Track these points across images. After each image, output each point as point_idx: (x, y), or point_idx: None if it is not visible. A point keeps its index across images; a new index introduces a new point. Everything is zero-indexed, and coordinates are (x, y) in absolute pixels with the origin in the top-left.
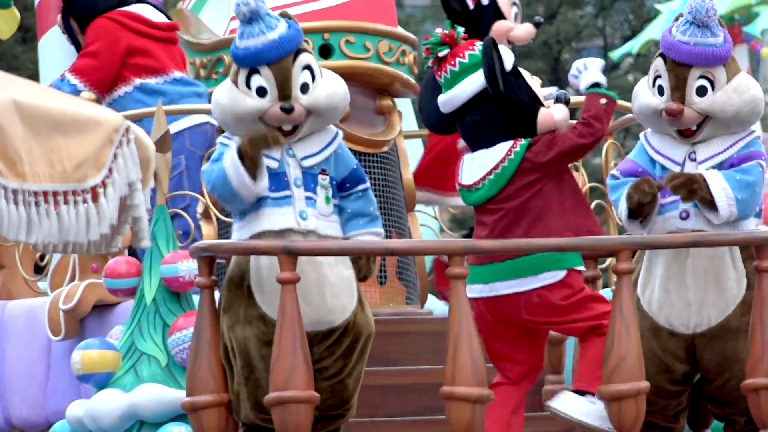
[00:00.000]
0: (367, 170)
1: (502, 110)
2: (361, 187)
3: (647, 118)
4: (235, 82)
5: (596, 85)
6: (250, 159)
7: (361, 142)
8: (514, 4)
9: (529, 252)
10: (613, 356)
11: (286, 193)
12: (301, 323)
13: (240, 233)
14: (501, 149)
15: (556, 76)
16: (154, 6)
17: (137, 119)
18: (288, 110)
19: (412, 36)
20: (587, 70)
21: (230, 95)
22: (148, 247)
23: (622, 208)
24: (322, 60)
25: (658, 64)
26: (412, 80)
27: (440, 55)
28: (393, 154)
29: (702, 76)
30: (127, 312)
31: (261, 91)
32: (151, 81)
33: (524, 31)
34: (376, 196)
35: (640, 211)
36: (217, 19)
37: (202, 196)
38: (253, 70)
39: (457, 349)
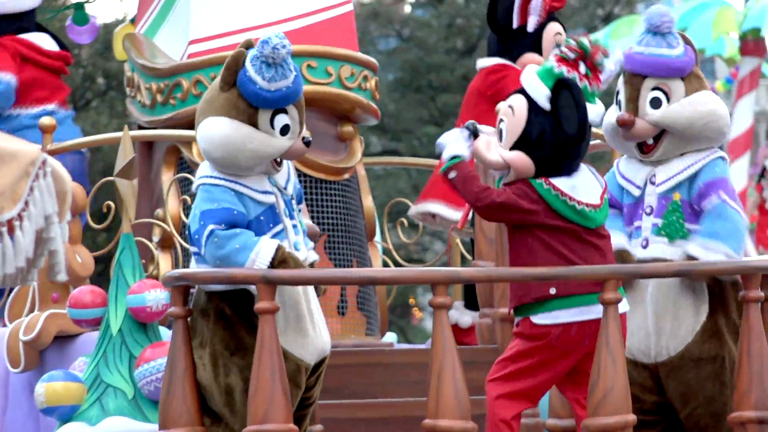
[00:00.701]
0: (327, 198)
1: None
2: (300, 205)
3: (610, 137)
4: (254, 124)
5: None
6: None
7: (322, 169)
8: (558, 46)
9: (521, 280)
10: (599, 388)
11: (280, 227)
12: (279, 353)
13: None
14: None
15: None
16: (52, 35)
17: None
18: (308, 143)
19: (373, 61)
20: (447, 145)
21: (258, 139)
22: (114, 276)
23: None
24: None
25: (620, 78)
26: (374, 105)
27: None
28: (354, 182)
29: (656, 88)
30: (89, 343)
31: (285, 130)
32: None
33: None
34: (336, 224)
35: None
36: (171, 44)
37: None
38: (279, 110)
39: (441, 381)
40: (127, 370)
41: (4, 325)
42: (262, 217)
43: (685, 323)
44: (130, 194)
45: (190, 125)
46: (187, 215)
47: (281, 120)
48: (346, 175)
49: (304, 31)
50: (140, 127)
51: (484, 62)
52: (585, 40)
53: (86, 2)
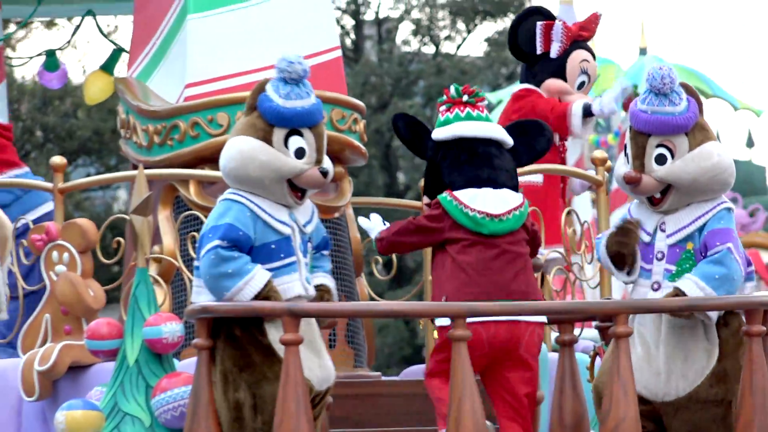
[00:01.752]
0: None
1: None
2: (327, 251)
3: (622, 186)
4: (268, 141)
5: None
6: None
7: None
8: (585, 73)
9: (546, 314)
10: (611, 418)
11: (293, 259)
12: (304, 384)
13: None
14: (519, 196)
15: (388, 162)
16: None
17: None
18: (326, 173)
19: (361, 104)
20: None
21: (270, 153)
22: (130, 309)
23: (603, 256)
24: None
25: (627, 133)
26: (363, 148)
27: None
28: (343, 220)
29: (661, 145)
30: (101, 373)
31: (300, 153)
32: None
33: (576, 98)
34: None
35: (621, 260)
36: (166, 87)
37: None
38: (294, 131)
39: (461, 412)
40: (143, 399)
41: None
42: (273, 245)
43: (696, 366)
44: (146, 230)
45: (188, 165)
46: (185, 253)
47: (296, 142)
48: (337, 214)
49: None
50: (135, 167)
51: (514, 88)
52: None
53: (58, 49)
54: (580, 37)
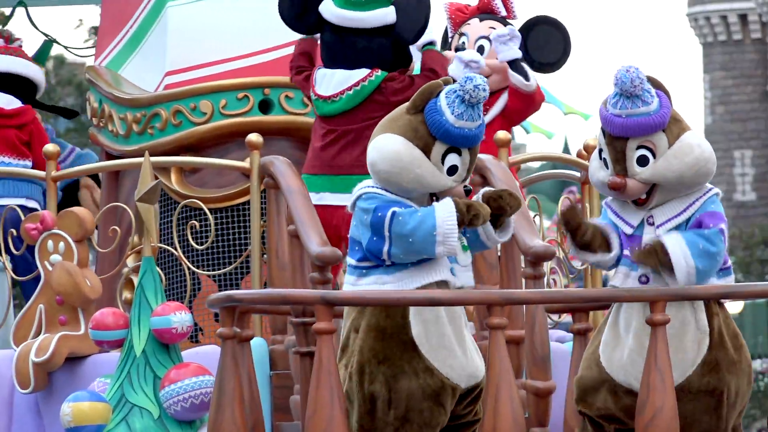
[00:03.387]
0: None
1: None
2: None
3: (601, 190)
4: (426, 152)
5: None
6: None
7: None
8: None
9: (577, 303)
10: (648, 408)
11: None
12: (337, 375)
13: (402, 284)
14: (361, 72)
15: None
16: None
17: None
18: (468, 192)
19: None
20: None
21: (426, 167)
22: (136, 299)
23: (576, 252)
24: (262, 115)
25: (599, 137)
26: None
27: None
28: None
29: (641, 146)
30: (98, 365)
31: (452, 170)
32: None
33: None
34: None
35: (587, 245)
36: (142, 76)
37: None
38: (453, 149)
39: (498, 401)
40: (152, 391)
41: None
42: None
43: (686, 356)
44: (152, 218)
45: (170, 154)
46: (184, 242)
47: (452, 159)
48: None
49: (278, 62)
50: (109, 156)
51: None
52: None
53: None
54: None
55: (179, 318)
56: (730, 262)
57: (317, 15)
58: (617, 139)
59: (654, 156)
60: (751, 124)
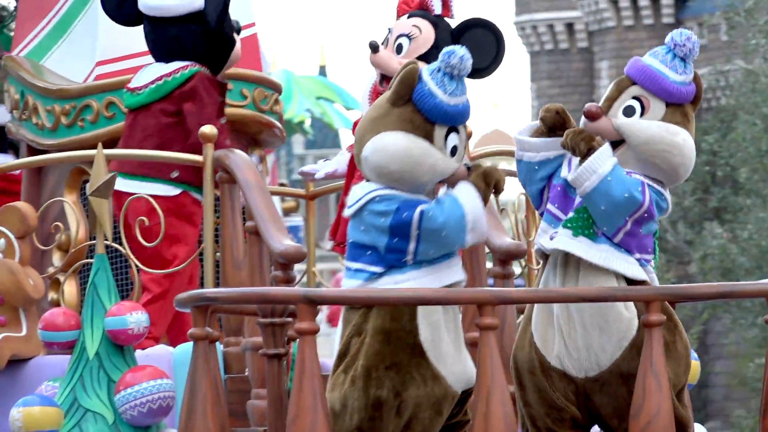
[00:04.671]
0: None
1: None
2: None
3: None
4: (430, 140)
5: None
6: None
7: None
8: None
9: (576, 301)
10: (644, 414)
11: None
12: (320, 377)
13: (423, 282)
14: (174, 65)
15: None
16: None
17: None
18: (470, 170)
19: (279, 83)
20: None
21: (435, 155)
22: (88, 298)
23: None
24: None
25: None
26: (283, 130)
27: None
28: None
29: (637, 98)
30: (41, 367)
31: (454, 151)
32: None
33: None
34: None
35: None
36: (69, 66)
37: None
38: (452, 129)
39: (490, 405)
40: (106, 395)
41: None
42: None
43: (614, 338)
44: (106, 213)
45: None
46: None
47: (453, 140)
48: None
49: None
50: (32, 150)
51: None
52: None
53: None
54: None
55: (135, 318)
56: (652, 259)
57: (136, 5)
58: (625, 79)
59: (642, 116)
60: None
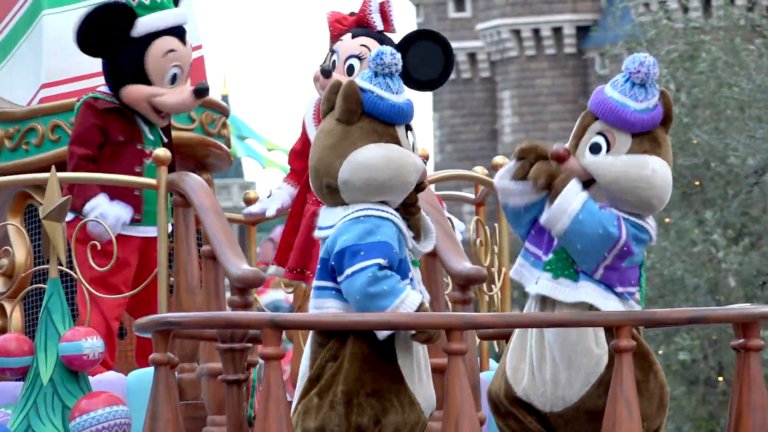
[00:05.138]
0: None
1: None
2: None
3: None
4: (397, 141)
5: None
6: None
7: None
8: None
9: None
10: None
11: (411, 273)
12: (286, 403)
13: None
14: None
15: None
16: None
17: None
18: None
19: (227, 106)
20: None
21: (411, 154)
22: (41, 323)
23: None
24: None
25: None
26: (231, 154)
27: None
28: None
29: (601, 133)
30: None
31: (413, 148)
32: None
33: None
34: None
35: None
36: (12, 88)
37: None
38: (407, 127)
39: (459, 431)
40: (60, 422)
41: None
42: (403, 262)
43: (581, 373)
44: (60, 237)
45: (47, 170)
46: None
47: (411, 137)
48: None
49: None
50: None
51: None
52: None
53: None
54: None
55: (90, 344)
56: (637, 291)
57: None
58: (589, 114)
59: (608, 151)
60: (479, 162)
